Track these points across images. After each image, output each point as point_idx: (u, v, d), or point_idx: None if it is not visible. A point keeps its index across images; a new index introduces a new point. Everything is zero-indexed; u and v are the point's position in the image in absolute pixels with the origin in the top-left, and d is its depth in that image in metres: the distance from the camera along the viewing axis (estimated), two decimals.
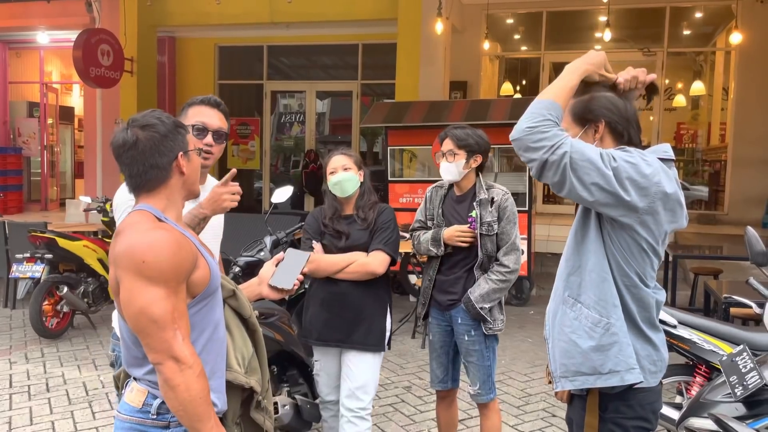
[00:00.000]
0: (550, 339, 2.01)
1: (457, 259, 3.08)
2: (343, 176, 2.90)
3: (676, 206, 1.86)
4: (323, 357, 3.04)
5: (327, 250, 2.93)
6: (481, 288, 2.97)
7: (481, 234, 2.99)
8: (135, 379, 1.75)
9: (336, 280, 2.90)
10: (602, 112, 1.90)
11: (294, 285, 2.09)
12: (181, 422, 1.64)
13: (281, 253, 2.17)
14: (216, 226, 2.40)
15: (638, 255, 1.85)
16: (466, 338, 3.04)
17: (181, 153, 1.74)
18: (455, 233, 3.01)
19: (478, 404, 3.18)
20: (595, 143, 1.89)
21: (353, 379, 2.92)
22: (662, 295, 1.94)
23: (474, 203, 3.04)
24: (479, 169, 3.11)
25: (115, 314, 1.93)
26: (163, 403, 1.68)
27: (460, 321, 3.05)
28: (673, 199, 1.83)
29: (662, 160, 1.87)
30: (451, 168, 3.04)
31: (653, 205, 1.80)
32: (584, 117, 1.93)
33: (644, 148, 1.91)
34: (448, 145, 3.05)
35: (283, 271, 2.12)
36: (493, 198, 3.02)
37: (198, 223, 2.15)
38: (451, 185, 3.18)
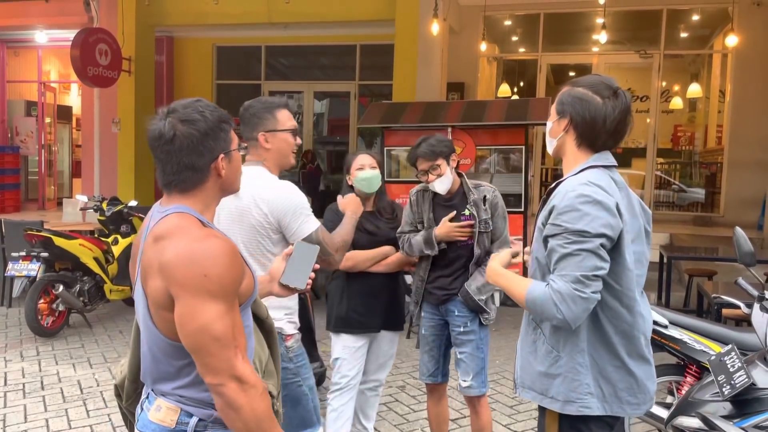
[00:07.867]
0: (518, 348, 2.10)
1: (453, 257, 3.12)
2: (372, 173, 3.12)
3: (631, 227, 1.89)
4: (354, 344, 3.20)
5: (354, 243, 2.94)
6: (478, 281, 3.04)
7: (479, 232, 3.05)
8: (162, 394, 1.61)
9: (371, 272, 3.17)
10: (570, 109, 1.93)
11: (307, 285, 1.96)
12: None
13: (290, 246, 2.03)
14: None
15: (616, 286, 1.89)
16: (462, 329, 3.09)
17: (222, 154, 1.57)
18: (452, 229, 3.04)
19: (469, 400, 3.21)
20: (562, 133, 1.95)
21: (384, 354, 3.36)
22: (648, 327, 1.97)
23: (468, 205, 3.08)
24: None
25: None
26: (200, 420, 1.57)
27: (456, 313, 3.10)
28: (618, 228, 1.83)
29: (607, 167, 1.91)
30: (443, 180, 3.06)
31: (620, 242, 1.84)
32: (558, 108, 1.97)
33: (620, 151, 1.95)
34: (425, 164, 3.04)
35: (294, 267, 1.94)
36: (485, 196, 3.09)
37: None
38: None
